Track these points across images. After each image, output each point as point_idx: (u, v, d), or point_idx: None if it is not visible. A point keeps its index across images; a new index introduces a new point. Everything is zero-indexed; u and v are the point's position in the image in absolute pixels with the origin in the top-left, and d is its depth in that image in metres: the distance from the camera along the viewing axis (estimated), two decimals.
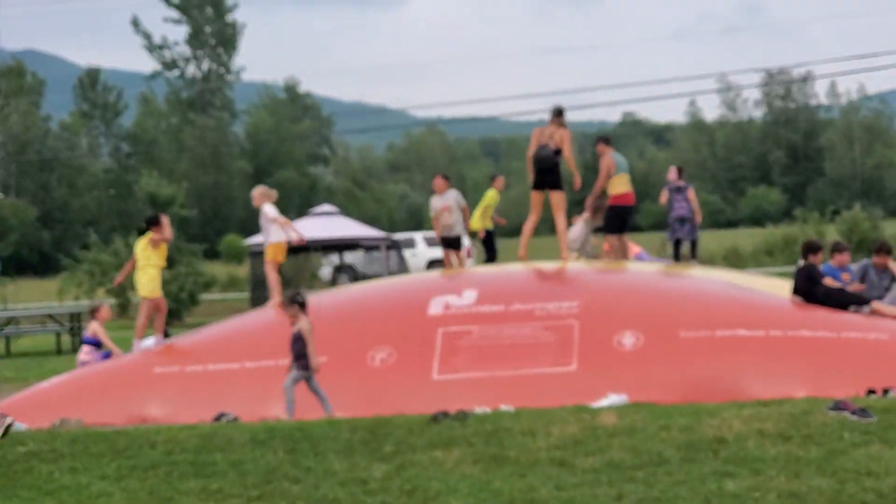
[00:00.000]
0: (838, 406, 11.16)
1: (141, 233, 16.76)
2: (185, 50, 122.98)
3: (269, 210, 17.03)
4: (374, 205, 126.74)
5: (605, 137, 19.63)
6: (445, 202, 18.71)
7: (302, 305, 13.70)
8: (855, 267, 17.12)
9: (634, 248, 22.93)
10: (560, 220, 18.24)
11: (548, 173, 17.93)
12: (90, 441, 11.71)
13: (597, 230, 20.89)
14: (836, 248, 16.99)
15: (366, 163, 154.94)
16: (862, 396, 12.20)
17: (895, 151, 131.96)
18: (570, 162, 18.26)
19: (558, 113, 18.22)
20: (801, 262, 16.09)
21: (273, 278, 17.28)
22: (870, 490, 8.54)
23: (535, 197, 18.30)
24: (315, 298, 17.52)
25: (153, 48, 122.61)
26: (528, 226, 18.62)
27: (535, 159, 17.86)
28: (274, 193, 17.41)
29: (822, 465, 9.38)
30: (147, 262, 16.72)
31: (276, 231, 17.05)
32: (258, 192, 17.42)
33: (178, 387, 14.40)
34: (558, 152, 17.81)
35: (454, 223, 19.17)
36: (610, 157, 19.26)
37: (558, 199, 18.15)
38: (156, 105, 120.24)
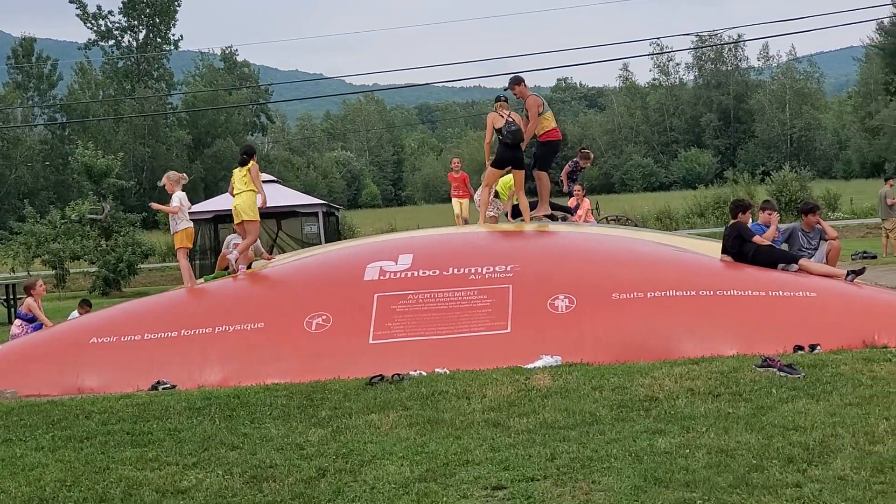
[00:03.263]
0: (766, 363, 11.37)
1: (241, 163, 17.36)
2: (121, 19, 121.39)
3: (174, 200, 17.00)
4: (313, 173, 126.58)
5: (521, 78, 19.28)
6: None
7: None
8: (782, 227, 17.43)
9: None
10: (522, 196, 19.01)
11: (517, 149, 18.43)
12: (24, 412, 11.71)
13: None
14: (764, 207, 17.35)
15: (305, 131, 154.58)
16: (789, 353, 12.42)
17: (824, 113, 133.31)
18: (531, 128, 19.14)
19: (507, 91, 19.29)
20: (732, 222, 16.29)
21: (184, 265, 17.28)
22: (796, 444, 8.70)
23: (496, 174, 19.01)
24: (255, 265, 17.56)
25: (88, 18, 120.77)
26: (485, 198, 19.03)
27: (508, 133, 18.15)
28: (184, 178, 17.43)
29: (750, 420, 9.55)
30: (247, 188, 17.24)
31: (182, 218, 17.04)
32: (167, 178, 17.35)
33: (114, 356, 14.32)
34: None
35: None
36: (535, 96, 19.14)
37: (521, 177, 18.88)
38: (92, 75, 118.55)
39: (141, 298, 17.77)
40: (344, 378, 12.65)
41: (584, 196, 26.04)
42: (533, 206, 19.54)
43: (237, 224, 17.57)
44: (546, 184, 19.63)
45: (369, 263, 15.56)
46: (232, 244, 18.00)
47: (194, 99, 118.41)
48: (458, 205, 25.51)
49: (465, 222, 24.99)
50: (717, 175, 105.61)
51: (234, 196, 17.45)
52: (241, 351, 13.99)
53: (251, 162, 17.30)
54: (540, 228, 18.28)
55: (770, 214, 17.10)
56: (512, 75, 19.42)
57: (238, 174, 17.37)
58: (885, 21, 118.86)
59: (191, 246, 17.72)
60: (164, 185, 17.25)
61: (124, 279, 41.50)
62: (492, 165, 18.71)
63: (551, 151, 19.63)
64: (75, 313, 20.01)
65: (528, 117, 19.02)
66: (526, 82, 19.30)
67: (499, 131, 18.25)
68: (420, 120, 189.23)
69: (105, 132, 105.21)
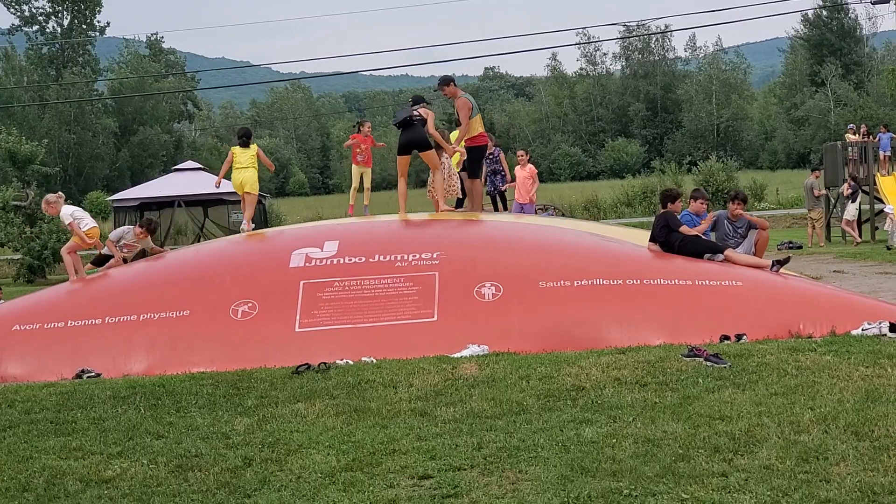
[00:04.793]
0: (693, 352, 11.41)
1: (243, 145, 19.96)
2: (45, 5, 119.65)
3: (63, 219, 17.64)
4: None
5: (450, 78, 19.04)
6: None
7: None
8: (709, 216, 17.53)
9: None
10: (437, 177, 18.70)
11: (407, 127, 18.20)
12: None
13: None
14: (695, 196, 17.45)
15: (230, 119, 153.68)
16: (716, 342, 12.49)
17: (750, 104, 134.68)
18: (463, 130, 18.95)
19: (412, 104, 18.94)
20: (661, 211, 16.36)
21: (67, 260, 17.21)
22: (722, 434, 8.73)
23: (403, 160, 18.71)
24: (178, 252, 17.41)
25: (11, 2, 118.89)
26: (402, 189, 18.81)
27: (394, 121, 18.15)
28: (61, 195, 17.78)
29: (676, 410, 9.58)
30: (251, 164, 19.89)
31: (83, 223, 17.11)
32: (45, 203, 17.82)
33: (37, 344, 14.11)
34: (424, 122, 18.32)
35: None
36: (465, 98, 18.79)
37: (428, 157, 18.59)
38: (16, 61, 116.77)
39: (64, 283, 17.48)
40: (270, 367, 12.55)
41: (528, 161, 26.04)
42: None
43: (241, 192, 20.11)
44: (478, 192, 19.53)
45: (295, 250, 15.44)
46: (125, 239, 17.89)
47: (120, 86, 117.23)
48: (358, 174, 21.97)
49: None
50: (645, 165, 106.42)
51: (234, 171, 19.83)
52: (167, 339, 13.82)
53: (254, 143, 20.01)
54: (466, 217, 18.24)
55: (702, 203, 17.20)
56: (442, 75, 19.16)
57: (242, 153, 19.83)
58: (810, 13, 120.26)
59: (91, 245, 17.61)
60: (47, 212, 17.75)
61: (49, 266, 40.99)
62: (397, 153, 18.57)
63: (478, 157, 19.48)
64: None
65: (458, 120, 18.93)
66: (456, 82, 19.10)
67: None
68: (347, 108, 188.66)
69: (30, 118, 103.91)
